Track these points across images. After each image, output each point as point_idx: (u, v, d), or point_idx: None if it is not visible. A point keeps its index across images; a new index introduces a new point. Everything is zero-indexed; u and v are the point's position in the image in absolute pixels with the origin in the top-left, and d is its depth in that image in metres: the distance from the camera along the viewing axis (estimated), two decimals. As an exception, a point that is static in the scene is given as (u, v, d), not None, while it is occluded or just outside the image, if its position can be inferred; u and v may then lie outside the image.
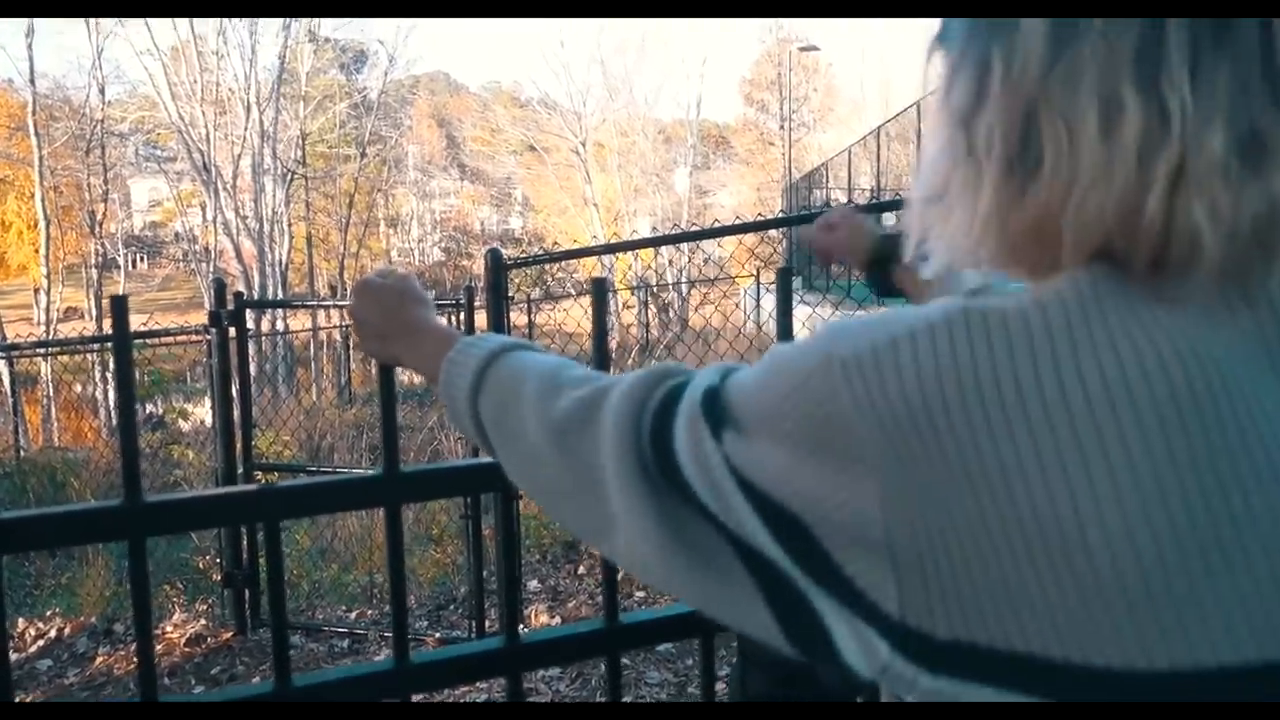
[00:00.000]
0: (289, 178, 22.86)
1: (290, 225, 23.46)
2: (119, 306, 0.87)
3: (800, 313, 10.00)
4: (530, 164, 32.89)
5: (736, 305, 17.10)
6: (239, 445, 3.85)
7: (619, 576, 1.06)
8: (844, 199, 19.87)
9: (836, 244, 1.30)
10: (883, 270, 1.23)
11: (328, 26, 24.30)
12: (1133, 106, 0.48)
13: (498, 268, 2.92)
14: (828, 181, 20.66)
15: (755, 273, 15.99)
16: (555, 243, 30.35)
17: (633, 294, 23.75)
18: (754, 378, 0.57)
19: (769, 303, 14.77)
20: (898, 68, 37.52)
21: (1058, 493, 0.46)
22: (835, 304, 10.67)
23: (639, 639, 1.08)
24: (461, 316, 4.07)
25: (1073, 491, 0.46)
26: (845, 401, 0.51)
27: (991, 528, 0.48)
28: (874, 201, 15.34)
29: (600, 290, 1.10)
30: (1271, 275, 0.49)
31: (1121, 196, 0.48)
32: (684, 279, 22.66)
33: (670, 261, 24.54)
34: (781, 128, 30.04)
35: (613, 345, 19.20)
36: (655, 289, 22.28)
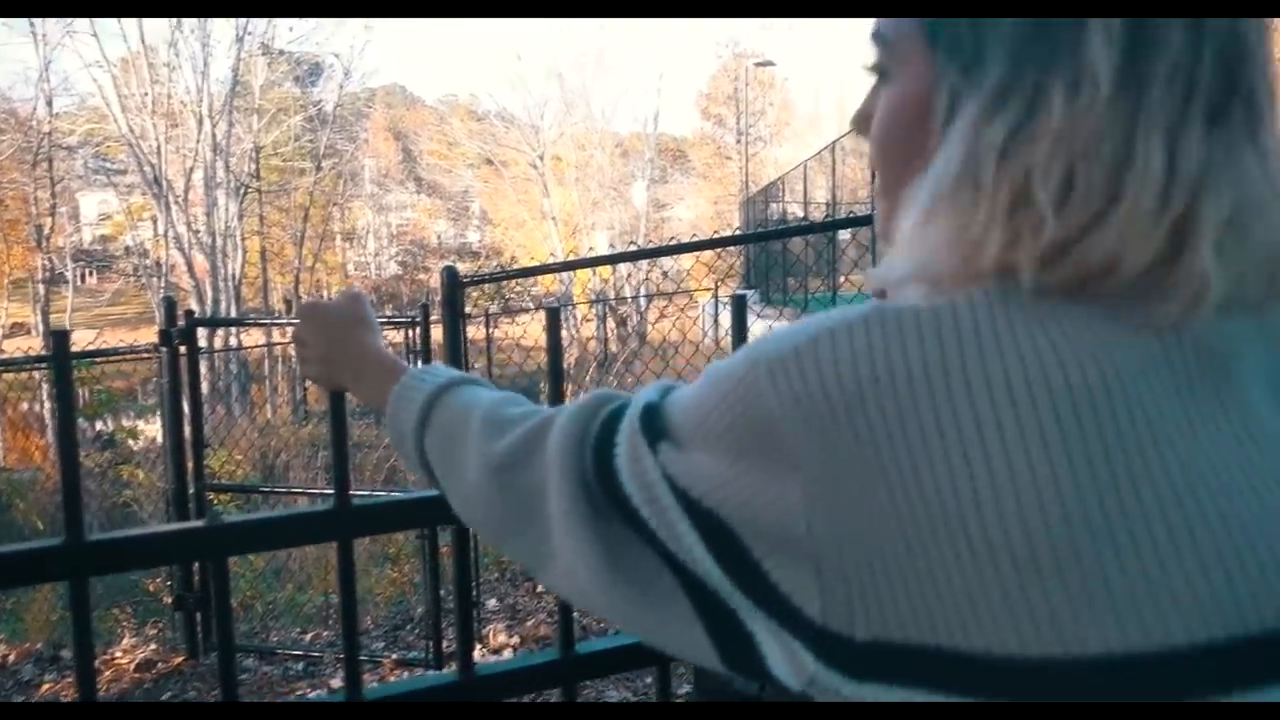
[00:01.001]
0: (242, 191, 22.59)
1: (244, 240, 23.17)
2: (59, 342, 0.85)
3: (759, 326, 10.05)
4: (487, 177, 32.84)
5: (694, 320, 17.19)
6: (190, 465, 3.78)
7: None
8: (800, 213, 20.04)
9: None
10: None
11: (282, 39, 24.06)
12: (1188, 151, 0.51)
13: (454, 285, 2.91)
14: (784, 195, 20.82)
15: (714, 287, 16.06)
16: (513, 257, 30.30)
17: (591, 308, 23.76)
18: (689, 392, 0.59)
19: (727, 317, 14.81)
20: (852, 82, 37.94)
21: (961, 482, 0.47)
22: (792, 317, 10.73)
23: (596, 669, 1.08)
24: (417, 333, 4.04)
25: (974, 480, 0.47)
26: (770, 400, 0.52)
27: (903, 519, 0.49)
28: (829, 219, 15.49)
29: (554, 319, 1.10)
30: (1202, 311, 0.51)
31: (1148, 234, 0.50)
32: (642, 293, 22.71)
33: (628, 275, 24.59)
34: (738, 142, 30.26)
35: (571, 360, 19.17)
36: (614, 303, 22.28)
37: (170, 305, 3.93)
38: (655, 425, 0.59)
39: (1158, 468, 0.48)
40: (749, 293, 18.18)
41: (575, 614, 1.07)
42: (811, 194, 19.75)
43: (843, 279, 13.31)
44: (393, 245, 39.27)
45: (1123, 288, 0.51)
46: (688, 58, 64.12)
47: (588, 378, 9.59)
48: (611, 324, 23.06)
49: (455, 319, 2.83)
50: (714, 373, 0.57)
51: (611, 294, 22.74)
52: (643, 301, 21.93)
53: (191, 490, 3.75)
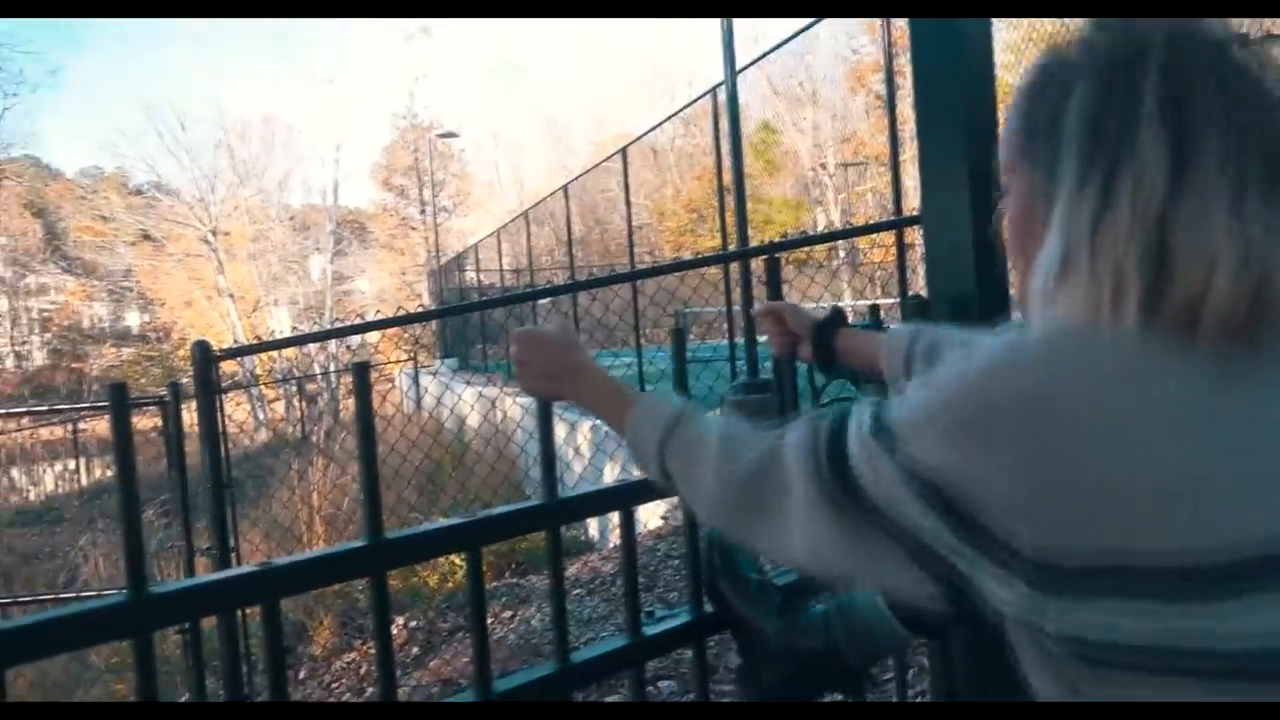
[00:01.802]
0: None
1: None
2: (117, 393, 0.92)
3: (467, 393, 10.20)
4: (149, 254, 30.44)
5: (393, 387, 16.94)
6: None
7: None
8: (492, 281, 20.40)
9: (784, 336, 1.43)
10: (826, 348, 1.37)
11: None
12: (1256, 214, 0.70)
13: (207, 360, 2.85)
14: (478, 264, 21.13)
15: (413, 355, 15.97)
16: (182, 338, 28.28)
17: (278, 389, 22.68)
18: (913, 402, 0.76)
19: (426, 382, 14.80)
20: (529, 152, 39.24)
21: (1138, 450, 0.68)
22: (499, 381, 10.98)
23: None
24: (167, 417, 3.86)
25: (1147, 449, 0.68)
26: (985, 397, 0.70)
27: (1100, 476, 0.67)
28: (530, 287, 15.82)
29: (362, 374, 1.15)
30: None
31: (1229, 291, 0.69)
32: (332, 368, 22.02)
33: (311, 353, 23.72)
34: (423, 213, 30.28)
35: (262, 440, 18.15)
36: (302, 380, 21.41)
37: None
38: (881, 425, 0.77)
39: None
40: (450, 361, 18.22)
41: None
42: (502, 262, 20.19)
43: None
44: (40, 332, 35.28)
45: (1210, 329, 0.69)
46: (362, 128, 63.20)
47: (292, 457, 9.26)
48: (300, 403, 22.09)
49: (210, 396, 2.79)
50: (935, 383, 0.75)
51: (298, 373, 21.80)
52: (333, 378, 21.27)
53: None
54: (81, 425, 13.12)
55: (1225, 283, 0.68)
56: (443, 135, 28.92)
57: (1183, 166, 0.70)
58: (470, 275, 21.65)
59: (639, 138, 14.90)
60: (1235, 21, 0.79)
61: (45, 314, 36.27)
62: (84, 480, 13.45)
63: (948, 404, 0.73)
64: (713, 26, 6.89)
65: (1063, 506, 0.68)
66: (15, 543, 10.09)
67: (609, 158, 14.59)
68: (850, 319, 1.44)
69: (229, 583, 1.03)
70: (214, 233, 27.57)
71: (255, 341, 6.39)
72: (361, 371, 1.13)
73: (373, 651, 1.26)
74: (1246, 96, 0.72)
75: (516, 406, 8.45)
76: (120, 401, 0.99)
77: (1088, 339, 0.72)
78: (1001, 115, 1.41)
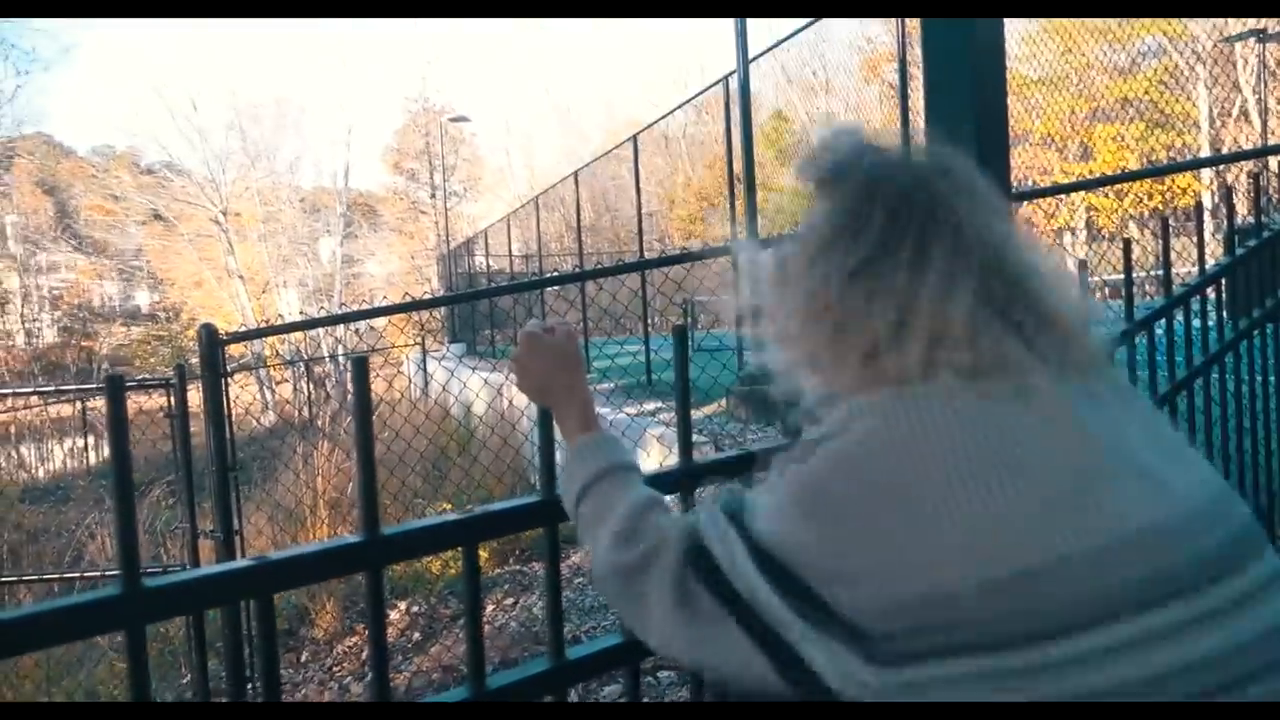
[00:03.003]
0: None
1: None
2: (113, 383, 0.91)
3: (473, 380, 10.20)
4: (160, 234, 30.52)
5: (400, 371, 16.97)
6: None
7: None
8: (498, 266, 20.40)
9: None
10: None
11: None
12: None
13: (213, 343, 2.85)
14: (487, 249, 21.12)
15: (420, 341, 15.99)
16: (192, 318, 28.34)
17: (286, 370, 22.71)
18: (766, 494, 0.87)
19: (433, 369, 14.83)
20: (539, 137, 39.16)
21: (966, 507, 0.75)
22: (504, 368, 10.96)
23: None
24: (173, 399, 3.86)
25: (961, 512, 0.75)
26: (828, 482, 0.80)
27: (921, 545, 0.74)
28: (536, 276, 15.79)
29: (360, 369, 1.10)
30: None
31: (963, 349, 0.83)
32: (340, 352, 22.05)
33: (319, 335, 23.77)
34: (434, 197, 30.27)
35: (270, 422, 18.21)
36: (309, 363, 21.46)
37: None
38: (736, 511, 0.87)
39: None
40: (456, 346, 18.24)
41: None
42: (504, 247, 20.18)
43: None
44: (51, 310, 35.45)
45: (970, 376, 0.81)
46: (373, 111, 63.12)
47: (318, 439, 9.29)
48: (308, 385, 22.15)
49: (216, 380, 2.79)
50: (787, 479, 0.84)
51: (305, 356, 21.85)
52: (341, 361, 21.29)
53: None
54: (90, 404, 13.18)
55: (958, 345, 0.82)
56: (454, 119, 28.90)
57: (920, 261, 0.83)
58: (480, 260, 21.65)
59: (650, 125, 14.87)
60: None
61: (56, 292, 36.44)
62: (92, 459, 13.51)
63: (789, 488, 0.83)
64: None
65: (876, 566, 0.75)
66: (24, 520, 10.14)
67: (620, 145, 14.55)
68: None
69: (222, 577, 1.02)
70: (224, 213, 27.61)
71: (264, 324, 6.39)
72: (360, 366, 1.12)
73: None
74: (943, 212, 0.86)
75: (521, 393, 8.45)
76: (117, 392, 0.98)
77: (884, 405, 0.81)
78: (1012, 108, 1.40)
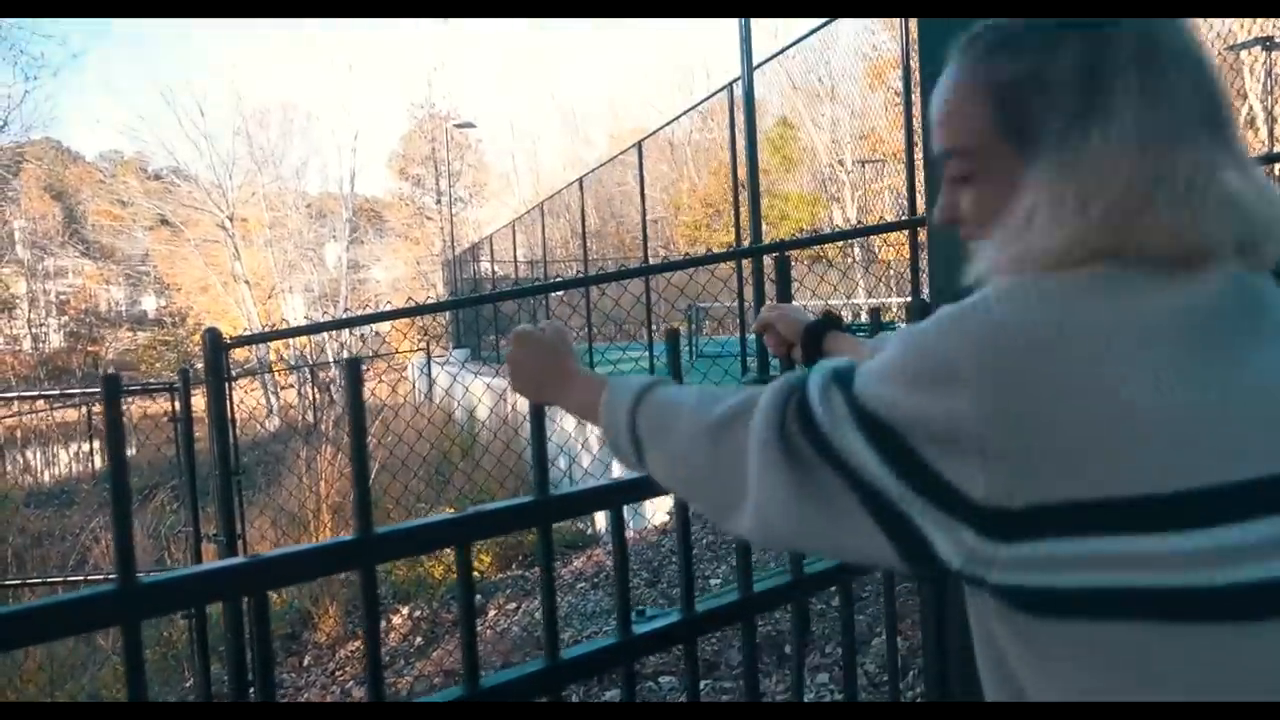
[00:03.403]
0: None
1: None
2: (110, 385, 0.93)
3: (475, 385, 10.22)
4: (166, 239, 30.62)
5: (403, 377, 16.99)
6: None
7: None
8: (506, 272, 20.43)
9: (781, 342, 1.44)
10: (814, 350, 1.38)
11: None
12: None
13: (217, 348, 2.87)
14: (493, 255, 21.15)
15: (425, 346, 16.01)
16: (198, 323, 28.42)
17: (290, 375, 22.74)
18: (884, 355, 0.78)
19: (436, 374, 14.84)
20: (545, 144, 39.23)
21: (1110, 385, 0.69)
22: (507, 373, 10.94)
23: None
24: (177, 403, 3.88)
25: (1120, 384, 0.69)
26: (945, 345, 0.72)
27: (1067, 410, 0.69)
28: (541, 282, 15.80)
29: (354, 370, 1.14)
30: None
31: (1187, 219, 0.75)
32: (345, 356, 22.07)
33: (324, 340, 23.79)
34: (439, 202, 30.32)
35: (274, 426, 18.25)
36: (314, 368, 21.50)
37: None
38: (844, 375, 0.79)
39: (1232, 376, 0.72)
40: (460, 351, 18.26)
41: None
42: (509, 253, 20.21)
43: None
44: (57, 314, 35.55)
45: (1173, 260, 0.74)
46: (379, 117, 63.29)
47: (290, 445, 9.30)
48: (313, 390, 22.18)
49: (220, 384, 2.81)
50: (903, 334, 0.79)
51: (310, 361, 21.88)
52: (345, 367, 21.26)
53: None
54: (96, 408, 13.20)
55: (1195, 214, 0.74)
56: (460, 125, 28.95)
57: (1154, 115, 0.76)
58: (485, 266, 21.67)
59: (655, 131, 14.88)
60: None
61: (63, 297, 36.55)
62: (97, 463, 13.54)
63: (907, 353, 0.75)
64: (732, 20, 6.87)
65: (1023, 440, 0.69)
66: (28, 524, 10.17)
67: (625, 151, 14.57)
68: (860, 318, 1.45)
69: (217, 574, 1.03)
70: (231, 219, 27.69)
71: (269, 328, 6.41)
72: (353, 367, 1.13)
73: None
74: (1179, 71, 0.78)
75: (523, 398, 8.46)
76: (114, 392, 0.99)
77: (1050, 281, 0.74)
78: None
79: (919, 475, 0.73)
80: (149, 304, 37.39)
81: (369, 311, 5.09)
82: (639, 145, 12.11)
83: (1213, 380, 0.71)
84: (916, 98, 7.15)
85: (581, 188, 14.86)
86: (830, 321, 1.40)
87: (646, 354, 8.95)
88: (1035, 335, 0.71)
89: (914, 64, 7.18)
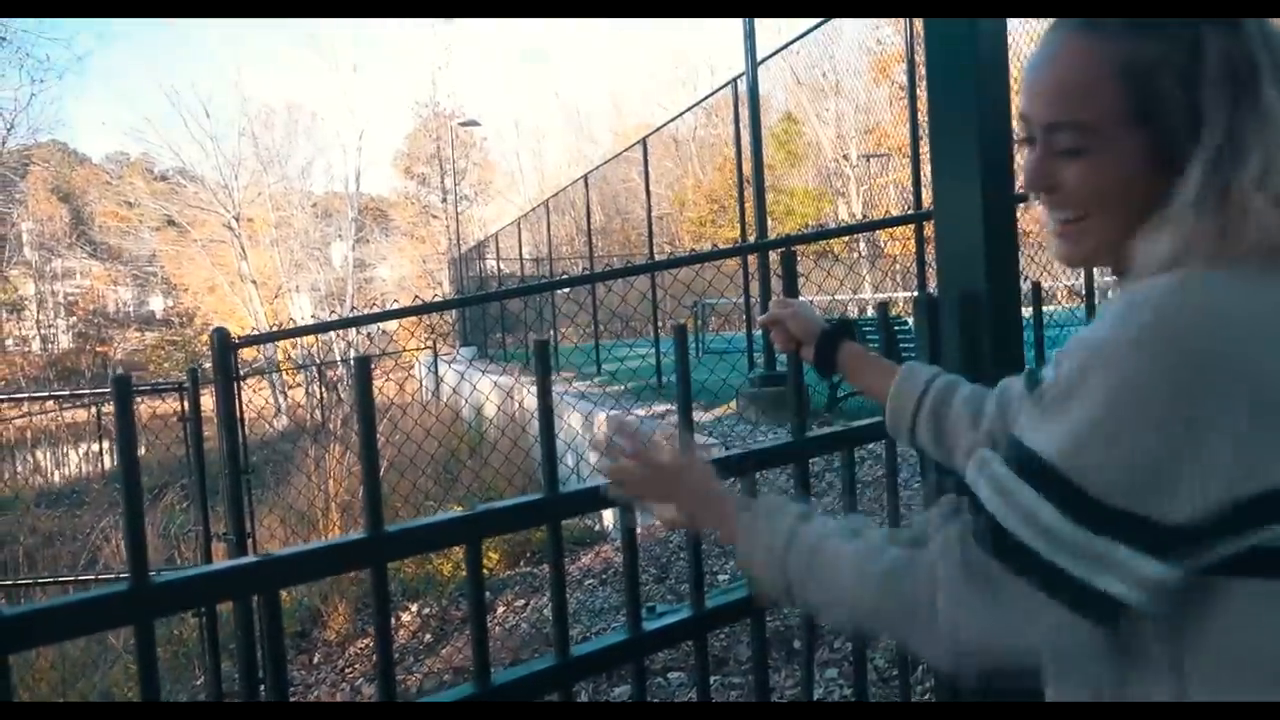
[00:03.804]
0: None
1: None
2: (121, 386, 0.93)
3: (483, 382, 10.21)
4: (173, 240, 30.70)
5: (410, 375, 17.01)
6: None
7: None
8: (512, 270, 20.44)
9: (789, 339, 1.40)
10: (828, 359, 1.35)
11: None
12: None
13: (225, 348, 2.88)
14: (498, 252, 21.17)
15: (432, 344, 16.03)
16: (206, 323, 28.48)
17: (298, 374, 22.80)
18: (1066, 425, 0.77)
19: (444, 372, 14.86)
20: (550, 141, 39.22)
21: None
22: (514, 371, 11.00)
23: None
24: (186, 403, 3.90)
25: None
26: (1138, 365, 0.73)
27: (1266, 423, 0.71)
28: (547, 279, 15.78)
29: (363, 369, 1.13)
30: None
31: None
32: (352, 355, 22.10)
33: (332, 339, 23.85)
34: (445, 201, 30.35)
35: (282, 425, 18.30)
36: (321, 367, 21.54)
37: None
38: (1034, 465, 0.77)
39: None
40: (467, 350, 18.28)
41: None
42: (515, 250, 20.22)
43: (561, 334, 13.79)
44: (65, 315, 35.68)
45: None
46: (384, 116, 63.34)
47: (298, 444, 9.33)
48: (320, 388, 22.19)
49: (229, 383, 2.82)
50: (1078, 395, 0.76)
51: (317, 360, 21.93)
52: (352, 366, 21.29)
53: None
54: (105, 409, 13.25)
55: None
56: (464, 124, 28.99)
57: None
58: (490, 264, 21.69)
59: (660, 128, 14.87)
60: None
61: (71, 298, 36.67)
62: (107, 463, 13.59)
63: (1115, 397, 0.74)
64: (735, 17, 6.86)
65: (1210, 455, 0.71)
66: (39, 524, 10.21)
67: (629, 147, 14.58)
68: (867, 312, 1.44)
69: (228, 573, 1.04)
70: (237, 219, 27.75)
71: (276, 328, 6.43)
72: (362, 366, 1.13)
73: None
74: None
75: (531, 396, 8.49)
76: (124, 392, 1.00)
77: (1223, 279, 0.76)
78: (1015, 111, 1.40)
79: (1094, 515, 0.74)
80: (156, 304, 37.50)
81: (375, 310, 5.10)
82: (643, 142, 12.11)
83: None
84: (921, 92, 7.15)
85: (586, 185, 14.87)
86: (846, 329, 1.38)
87: (653, 350, 8.94)
88: (1264, 332, 0.73)
89: (919, 58, 7.16)
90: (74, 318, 35.87)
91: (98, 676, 5.58)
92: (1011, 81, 1.50)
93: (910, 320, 2.84)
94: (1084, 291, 2.15)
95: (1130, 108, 0.82)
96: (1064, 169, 0.87)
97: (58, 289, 36.60)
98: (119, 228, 32.34)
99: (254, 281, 27.69)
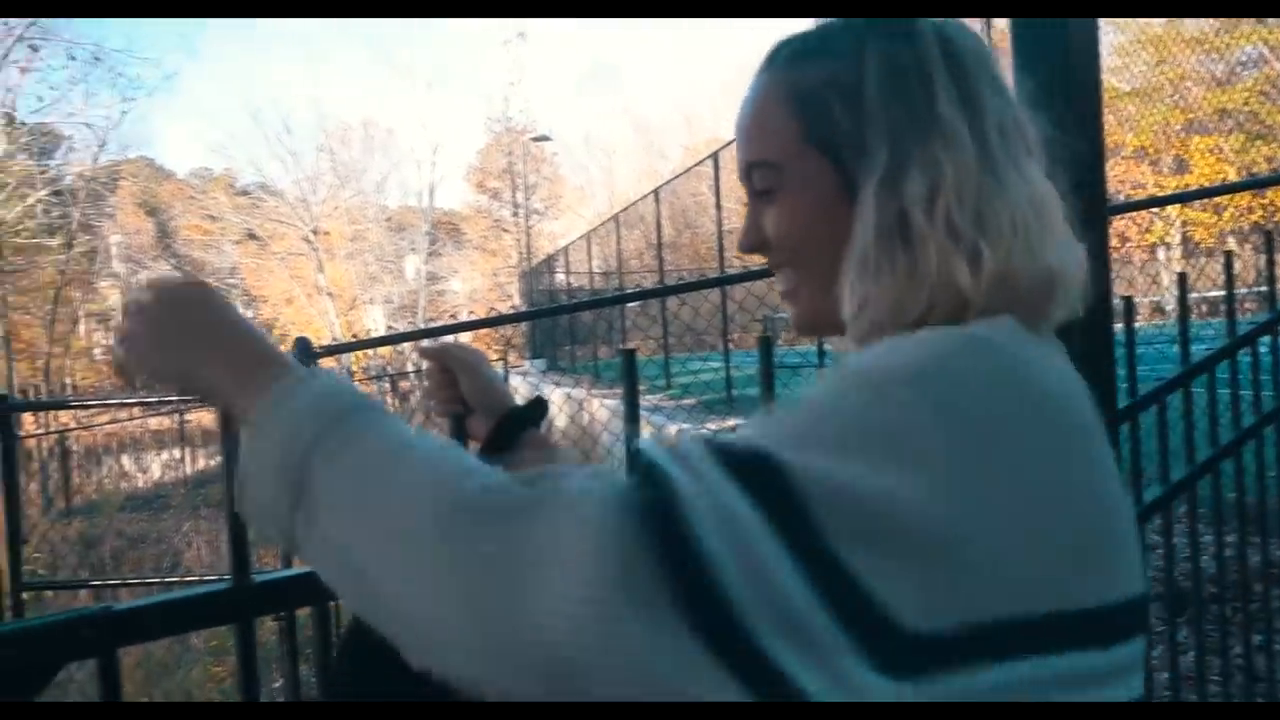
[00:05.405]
0: (-22, 272, 20.71)
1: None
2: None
3: (555, 394, 10.30)
4: (254, 253, 31.58)
5: (482, 390, 17.18)
6: (4, 566, 3.57)
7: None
8: (581, 283, 20.58)
9: (452, 394, 1.05)
10: (504, 444, 1.00)
11: (26, 108, 22.41)
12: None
13: (306, 356, 2.91)
14: (568, 266, 21.33)
15: (504, 356, 16.20)
16: (284, 334, 29.15)
17: (371, 384, 23.21)
18: (788, 420, 0.59)
19: (516, 383, 15.00)
20: (620, 156, 39.44)
21: (1060, 476, 0.59)
22: (588, 384, 11.06)
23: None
24: None
25: (1066, 477, 0.60)
26: (907, 409, 0.56)
27: (1024, 510, 0.56)
28: (617, 292, 15.84)
29: (630, 361, 1.15)
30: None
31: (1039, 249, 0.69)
32: (424, 366, 22.40)
33: (405, 351, 24.21)
34: (515, 215, 30.70)
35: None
36: (395, 378, 21.90)
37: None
38: (736, 455, 0.55)
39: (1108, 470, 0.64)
40: (538, 361, 18.43)
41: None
42: (584, 264, 20.34)
43: (635, 344, 13.82)
44: (150, 326, 36.87)
45: (1040, 297, 0.68)
46: (457, 132, 64.42)
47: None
48: (393, 399, 22.59)
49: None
50: (811, 400, 0.60)
51: (391, 371, 22.31)
52: (424, 377, 21.60)
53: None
54: (187, 416, 13.66)
55: (1035, 243, 0.67)
56: (536, 139, 29.30)
57: (977, 128, 0.69)
58: (560, 277, 21.86)
59: (730, 142, 14.80)
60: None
61: (157, 308, 37.82)
62: (189, 469, 14.00)
63: (831, 420, 0.58)
64: (806, 27, 6.82)
65: (988, 538, 0.55)
66: (125, 527, 10.54)
67: (700, 162, 14.57)
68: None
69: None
70: (314, 232, 28.43)
71: (351, 339, 6.57)
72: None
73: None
74: (982, 74, 0.72)
75: (603, 409, 8.52)
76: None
77: (982, 334, 0.63)
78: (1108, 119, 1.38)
79: (822, 568, 0.52)
80: (237, 315, 38.49)
81: (448, 322, 5.17)
82: (715, 156, 12.11)
83: (1113, 473, 0.64)
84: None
85: (657, 199, 14.91)
86: (538, 412, 1.05)
87: (724, 364, 8.92)
88: (1006, 405, 0.59)
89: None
90: (160, 328, 36.97)
91: (180, 676, 5.74)
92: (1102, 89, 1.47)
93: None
94: (1178, 304, 2.10)
95: (805, 135, 0.73)
96: (765, 218, 0.78)
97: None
98: (202, 241, 33.31)
99: (330, 294, 28.31)
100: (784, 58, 0.77)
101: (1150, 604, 0.68)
